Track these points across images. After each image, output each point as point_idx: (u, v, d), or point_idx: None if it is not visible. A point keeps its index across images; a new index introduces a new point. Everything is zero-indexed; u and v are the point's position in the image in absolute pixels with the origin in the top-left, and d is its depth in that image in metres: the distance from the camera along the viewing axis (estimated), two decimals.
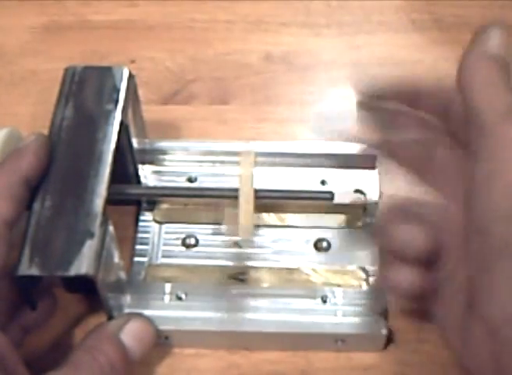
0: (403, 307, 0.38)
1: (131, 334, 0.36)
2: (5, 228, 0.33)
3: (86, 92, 0.39)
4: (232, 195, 0.41)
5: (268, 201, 0.42)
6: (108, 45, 0.53)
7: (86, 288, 0.36)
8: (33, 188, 0.35)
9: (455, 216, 0.31)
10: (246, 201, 0.39)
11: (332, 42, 0.54)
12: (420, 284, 0.33)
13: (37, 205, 0.35)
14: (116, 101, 0.39)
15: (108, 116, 0.38)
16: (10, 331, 0.35)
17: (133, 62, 0.52)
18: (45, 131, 0.37)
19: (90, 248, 0.33)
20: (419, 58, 0.52)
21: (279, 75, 0.52)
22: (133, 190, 0.42)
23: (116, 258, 0.37)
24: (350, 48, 0.53)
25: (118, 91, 0.39)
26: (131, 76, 0.40)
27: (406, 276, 0.33)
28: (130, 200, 0.43)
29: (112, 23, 0.55)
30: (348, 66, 0.52)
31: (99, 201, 0.35)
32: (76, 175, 0.36)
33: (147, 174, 0.44)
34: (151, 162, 0.45)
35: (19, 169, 0.35)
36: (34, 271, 0.33)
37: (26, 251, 0.33)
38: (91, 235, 0.34)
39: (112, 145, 0.37)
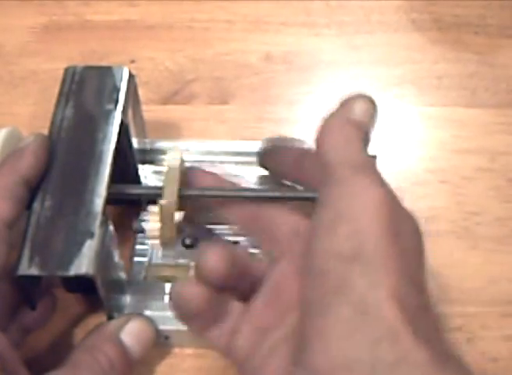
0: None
1: (131, 334, 0.36)
2: (5, 228, 0.33)
3: (86, 92, 0.39)
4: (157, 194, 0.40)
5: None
6: (107, 45, 0.53)
7: (86, 288, 0.36)
8: (33, 188, 0.35)
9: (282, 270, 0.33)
10: (169, 201, 0.37)
11: (332, 42, 0.53)
12: (201, 302, 0.33)
13: (37, 205, 0.35)
14: (116, 101, 0.39)
15: (108, 115, 0.38)
16: (10, 331, 0.35)
17: (132, 62, 0.52)
18: (45, 131, 0.37)
19: (90, 247, 0.33)
20: (419, 58, 0.52)
21: (278, 75, 0.52)
22: (133, 190, 0.42)
23: (116, 258, 0.37)
24: (350, 48, 0.53)
25: (118, 90, 0.39)
26: (131, 76, 0.40)
27: (192, 290, 0.33)
28: (130, 200, 0.43)
29: (112, 22, 0.55)
30: (348, 65, 0.52)
31: (99, 201, 0.35)
32: (76, 175, 0.36)
33: (147, 174, 0.44)
34: (151, 162, 0.44)
35: (18, 169, 0.35)
36: (34, 271, 0.33)
37: (26, 251, 0.33)
38: (91, 235, 0.34)
39: (112, 145, 0.37)
